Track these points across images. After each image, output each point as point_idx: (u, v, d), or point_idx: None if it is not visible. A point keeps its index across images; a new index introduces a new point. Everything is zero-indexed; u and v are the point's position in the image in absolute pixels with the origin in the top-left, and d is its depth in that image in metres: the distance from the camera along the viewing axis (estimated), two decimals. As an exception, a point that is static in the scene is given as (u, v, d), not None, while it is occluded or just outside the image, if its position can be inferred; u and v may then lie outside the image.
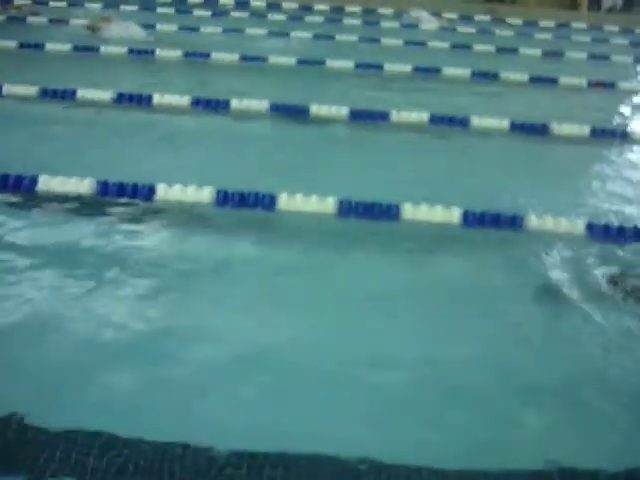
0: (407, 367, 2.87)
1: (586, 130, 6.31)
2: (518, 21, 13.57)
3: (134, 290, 3.39)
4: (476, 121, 6.38)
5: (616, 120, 7.08)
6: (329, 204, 4.34)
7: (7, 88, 6.59)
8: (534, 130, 6.32)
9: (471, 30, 12.13)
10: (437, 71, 8.47)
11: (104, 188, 4.45)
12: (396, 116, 6.40)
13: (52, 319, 3.10)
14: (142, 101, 6.57)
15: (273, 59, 8.64)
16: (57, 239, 3.90)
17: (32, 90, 6.56)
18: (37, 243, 3.84)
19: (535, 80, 8.41)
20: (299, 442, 2.36)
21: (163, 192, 4.44)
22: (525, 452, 2.44)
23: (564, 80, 8.43)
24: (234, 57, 8.61)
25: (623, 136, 6.32)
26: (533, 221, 4.25)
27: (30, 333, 2.99)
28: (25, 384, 2.65)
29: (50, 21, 10.54)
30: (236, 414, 2.55)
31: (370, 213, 4.29)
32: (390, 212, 4.28)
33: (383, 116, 6.39)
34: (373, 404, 2.63)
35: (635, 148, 6.17)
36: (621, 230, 4.24)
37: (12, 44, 8.58)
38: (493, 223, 4.24)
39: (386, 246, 4.01)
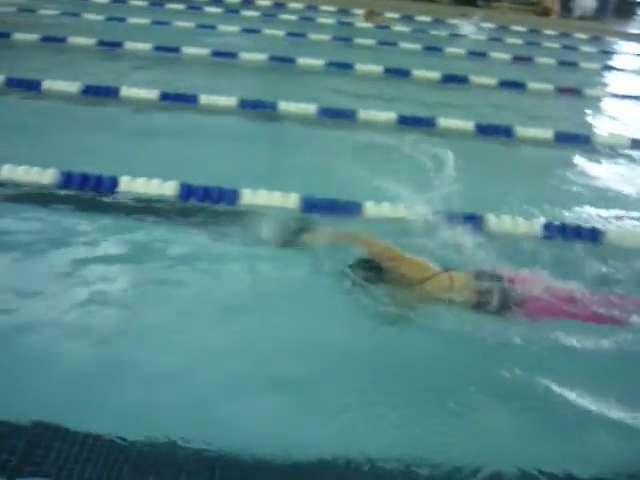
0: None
1: (549, 134, 6.41)
2: (491, 25, 13.73)
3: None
4: (442, 122, 6.44)
5: (579, 126, 7.19)
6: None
7: None
8: (498, 132, 6.41)
9: (443, 33, 12.22)
10: (407, 73, 8.53)
11: (67, 179, 4.48)
12: (364, 115, 6.45)
13: None
14: (109, 93, 6.53)
15: (244, 55, 8.62)
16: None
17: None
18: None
19: (504, 84, 8.52)
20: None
21: (126, 185, 4.45)
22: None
23: (532, 85, 8.55)
24: (205, 52, 8.57)
25: (585, 141, 6.43)
26: (493, 221, 4.33)
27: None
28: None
29: None
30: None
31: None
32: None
33: (350, 115, 6.43)
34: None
35: (597, 153, 6.27)
36: (578, 230, 4.34)
37: None
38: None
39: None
